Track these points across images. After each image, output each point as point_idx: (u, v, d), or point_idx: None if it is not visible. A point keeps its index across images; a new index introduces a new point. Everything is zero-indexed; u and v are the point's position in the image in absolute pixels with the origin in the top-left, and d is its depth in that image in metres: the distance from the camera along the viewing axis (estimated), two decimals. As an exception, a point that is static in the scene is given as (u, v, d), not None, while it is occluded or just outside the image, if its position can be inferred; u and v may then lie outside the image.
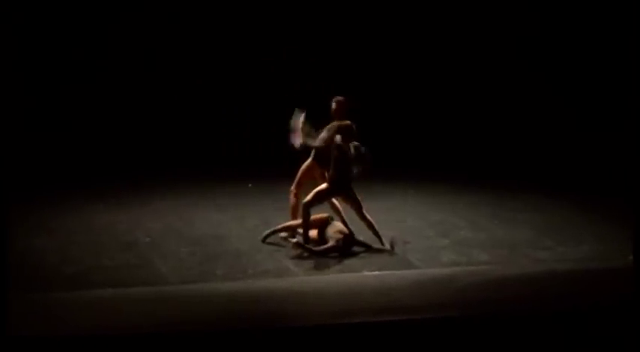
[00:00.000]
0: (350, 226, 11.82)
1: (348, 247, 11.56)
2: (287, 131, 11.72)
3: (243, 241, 12.03)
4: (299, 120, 11.58)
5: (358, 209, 11.73)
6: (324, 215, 11.84)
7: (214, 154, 17.30)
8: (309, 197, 11.53)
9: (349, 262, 11.29)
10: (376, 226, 11.78)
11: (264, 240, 11.85)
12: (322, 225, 11.73)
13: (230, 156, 17.50)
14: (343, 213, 11.96)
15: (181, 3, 18.25)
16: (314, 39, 18.66)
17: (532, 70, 18.42)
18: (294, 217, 11.97)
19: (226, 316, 9.35)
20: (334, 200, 11.89)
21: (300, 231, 11.71)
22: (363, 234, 11.80)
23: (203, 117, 18.45)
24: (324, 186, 11.61)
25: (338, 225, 11.77)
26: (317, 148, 11.58)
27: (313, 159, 11.87)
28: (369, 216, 11.80)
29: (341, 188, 11.56)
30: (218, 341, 8.67)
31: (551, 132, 17.75)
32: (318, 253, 11.38)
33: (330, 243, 11.47)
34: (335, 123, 11.55)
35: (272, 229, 11.98)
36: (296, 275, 10.91)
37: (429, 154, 17.33)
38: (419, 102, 18.81)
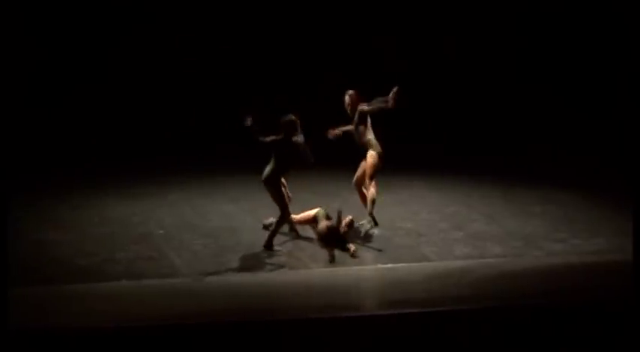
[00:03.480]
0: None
1: (331, 238, 11.48)
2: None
3: (256, 233, 12.01)
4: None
5: None
6: (313, 211, 11.86)
7: (227, 145, 17.22)
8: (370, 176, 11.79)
9: (363, 255, 11.35)
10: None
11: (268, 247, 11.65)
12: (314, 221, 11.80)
13: (242, 148, 17.42)
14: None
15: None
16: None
17: (543, 65, 18.43)
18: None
19: (240, 308, 9.44)
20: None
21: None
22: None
23: (214, 108, 18.43)
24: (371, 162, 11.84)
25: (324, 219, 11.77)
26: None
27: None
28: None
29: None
30: (232, 333, 8.75)
31: (565, 124, 17.71)
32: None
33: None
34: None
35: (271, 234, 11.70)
36: (309, 267, 10.99)
37: (442, 148, 17.25)
38: (433, 96, 18.79)
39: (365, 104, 11.84)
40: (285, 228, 11.98)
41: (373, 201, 11.83)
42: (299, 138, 11.39)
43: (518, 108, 18.32)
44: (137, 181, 14.89)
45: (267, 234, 11.63)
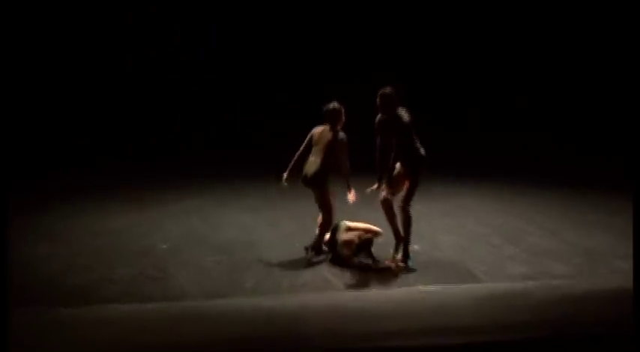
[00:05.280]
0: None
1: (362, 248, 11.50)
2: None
3: (277, 248, 11.97)
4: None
5: None
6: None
7: (245, 148, 17.40)
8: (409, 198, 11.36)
9: (400, 274, 11.17)
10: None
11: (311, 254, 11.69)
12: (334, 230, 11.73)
13: (262, 150, 17.57)
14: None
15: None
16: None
17: (596, 68, 18.92)
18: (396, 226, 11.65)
19: (257, 336, 9.24)
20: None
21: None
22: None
23: (232, 106, 18.76)
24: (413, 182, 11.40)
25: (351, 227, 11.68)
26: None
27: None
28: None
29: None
30: (249, 367, 8.61)
31: (624, 125, 17.98)
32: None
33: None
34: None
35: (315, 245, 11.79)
36: (338, 289, 10.78)
37: (491, 151, 17.38)
38: (480, 97, 19.30)
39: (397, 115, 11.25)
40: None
41: (408, 229, 11.43)
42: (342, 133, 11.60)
43: (576, 111, 18.68)
44: (140, 186, 15.04)
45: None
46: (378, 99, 11.35)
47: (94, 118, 18.20)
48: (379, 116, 11.40)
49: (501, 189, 15.12)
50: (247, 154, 16.90)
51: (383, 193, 11.47)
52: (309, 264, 11.48)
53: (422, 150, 11.34)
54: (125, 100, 18.80)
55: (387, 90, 11.34)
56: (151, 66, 18.98)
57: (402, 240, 11.45)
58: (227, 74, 19.27)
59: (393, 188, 11.48)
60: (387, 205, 11.48)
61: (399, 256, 11.40)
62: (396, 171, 11.48)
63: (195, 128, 18.30)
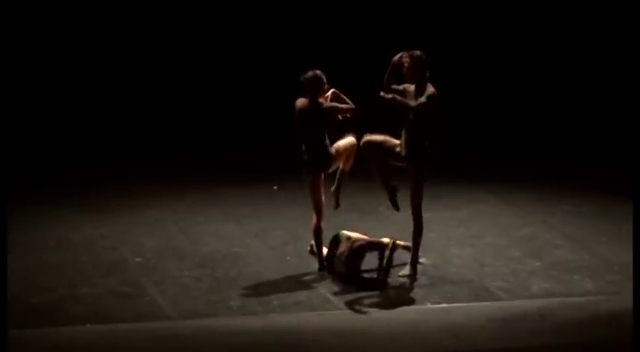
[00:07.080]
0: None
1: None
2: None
3: (266, 263, 12.08)
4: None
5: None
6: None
7: (229, 147, 17.32)
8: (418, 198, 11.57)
9: (407, 291, 11.34)
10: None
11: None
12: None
13: (250, 150, 17.53)
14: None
15: None
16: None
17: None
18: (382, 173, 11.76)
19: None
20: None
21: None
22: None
23: (215, 99, 18.71)
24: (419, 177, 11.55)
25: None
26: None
27: None
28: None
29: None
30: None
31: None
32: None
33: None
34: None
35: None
36: (337, 308, 10.93)
37: (514, 149, 17.32)
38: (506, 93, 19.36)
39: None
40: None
41: (419, 240, 11.65)
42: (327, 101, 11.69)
43: (614, 107, 18.64)
44: (108, 191, 14.91)
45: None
46: (407, 62, 11.37)
47: (60, 118, 18.13)
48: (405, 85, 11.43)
49: (530, 195, 14.94)
50: (229, 157, 16.77)
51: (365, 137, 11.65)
52: (302, 279, 11.62)
53: (427, 143, 11.45)
54: (100, 99, 18.77)
55: (418, 52, 11.41)
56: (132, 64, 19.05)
57: (393, 196, 11.71)
58: (207, 72, 19.29)
59: (382, 140, 11.59)
60: (368, 146, 11.59)
61: (408, 269, 11.58)
62: (394, 141, 11.56)
63: (172, 128, 18.15)
